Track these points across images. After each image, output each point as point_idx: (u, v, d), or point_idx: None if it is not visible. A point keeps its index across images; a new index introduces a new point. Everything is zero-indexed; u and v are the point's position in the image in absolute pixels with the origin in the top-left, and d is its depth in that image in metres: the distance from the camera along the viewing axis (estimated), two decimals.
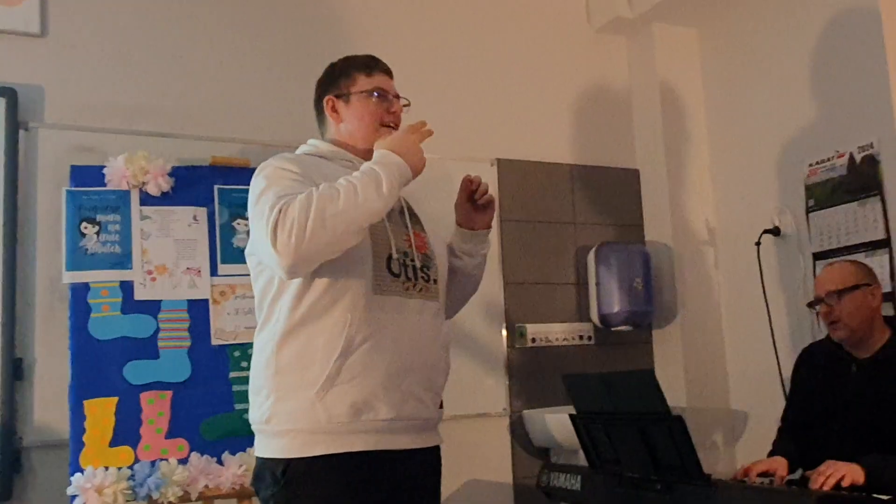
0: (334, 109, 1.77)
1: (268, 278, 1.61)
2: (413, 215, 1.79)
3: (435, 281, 1.73)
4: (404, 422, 1.60)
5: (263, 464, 1.59)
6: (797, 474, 2.26)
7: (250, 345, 2.32)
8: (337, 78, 1.78)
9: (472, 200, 1.85)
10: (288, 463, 1.53)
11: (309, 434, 1.53)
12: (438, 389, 1.71)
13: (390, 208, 1.58)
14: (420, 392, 1.63)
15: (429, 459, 1.70)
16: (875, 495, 1.86)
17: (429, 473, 1.71)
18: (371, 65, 1.78)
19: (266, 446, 1.59)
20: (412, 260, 1.68)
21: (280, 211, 1.46)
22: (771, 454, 2.37)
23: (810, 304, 2.43)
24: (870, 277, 2.31)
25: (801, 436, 2.39)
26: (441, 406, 1.73)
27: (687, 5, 3.36)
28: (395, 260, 1.63)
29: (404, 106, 1.80)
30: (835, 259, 2.62)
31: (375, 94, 1.74)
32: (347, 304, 1.56)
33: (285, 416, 1.55)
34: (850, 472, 1.95)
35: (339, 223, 1.46)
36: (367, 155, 1.70)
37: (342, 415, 1.53)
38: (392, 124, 1.75)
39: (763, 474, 2.22)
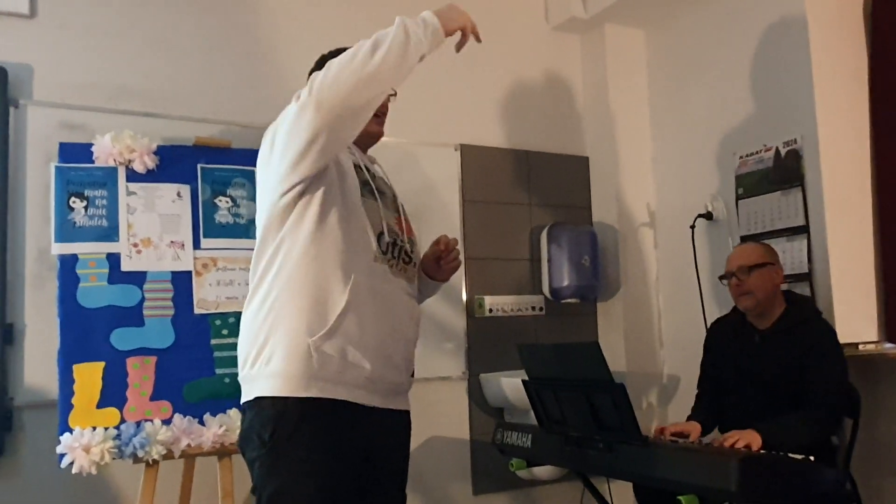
0: None
1: (281, 238, 1.53)
2: (401, 204, 1.77)
3: (415, 265, 1.72)
4: (382, 383, 1.58)
5: (253, 418, 1.51)
6: (711, 437, 2.31)
7: (231, 314, 2.32)
8: None
9: (439, 258, 1.81)
10: (279, 418, 1.47)
11: (302, 378, 1.48)
12: (412, 358, 1.69)
13: (410, 57, 1.50)
14: (398, 359, 1.61)
15: (401, 421, 1.68)
16: (790, 455, 1.90)
17: (400, 433, 1.69)
18: None
19: (261, 386, 1.51)
20: (402, 241, 1.66)
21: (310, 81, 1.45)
22: (689, 419, 2.42)
23: (721, 278, 2.49)
24: (774, 258, 2.41)
25: (718, 401, 2.44)
26: (412, 375, 1.71)
27: (636, 9, 3.32)
28: (386, 238, 1.61)
29: (390, 96, 1.74)
30: (744, 241, 2.65)
31: None
32: (353, 266, 1.53)
33: (282, 358, 1.49)
34: (749, 439, 2.01)
35: (361, 67, 1.44)
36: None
37: (334, 364, 1.50)
38: (378, 113, 1.69)
39: (678, 435, 2.26)
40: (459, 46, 1.65)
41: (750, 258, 2.37)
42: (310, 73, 1.75)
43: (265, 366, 1.51)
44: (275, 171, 1.52)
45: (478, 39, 1.65)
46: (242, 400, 1.57)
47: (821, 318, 2.39)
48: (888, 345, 2.72)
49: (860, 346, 2.65)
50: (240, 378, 1.59)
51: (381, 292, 1.58)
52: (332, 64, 1.46)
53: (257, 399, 1.52)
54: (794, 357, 2.24)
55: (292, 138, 1.48)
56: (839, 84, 2.81)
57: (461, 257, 1.78)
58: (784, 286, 2.50)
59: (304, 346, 1.48)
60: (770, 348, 2.31)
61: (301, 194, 1.53)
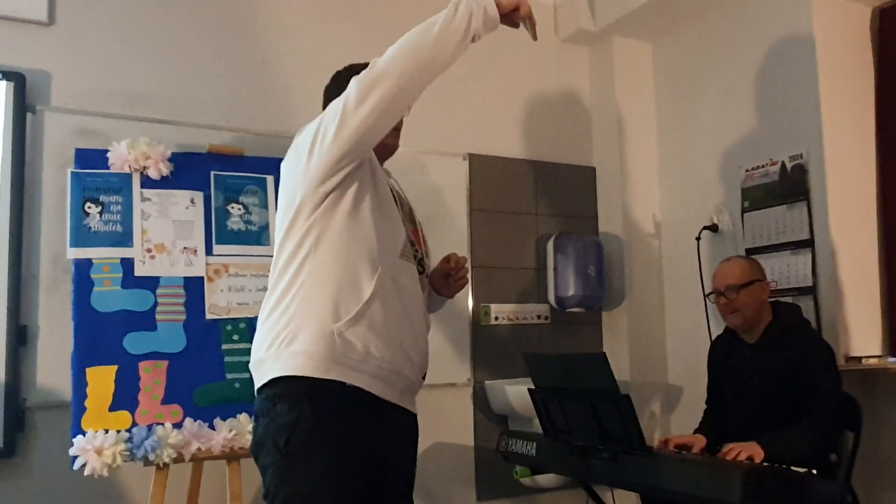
0: None
1: (310, 224, 1.55)
2: (417, 217, 1.80)
3: (427, 276, 1.75)
4: (398, 377, 1.59)
5: (268, 425, 1.51)
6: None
7: (241, 319, 2.34)
8: (342, 85, 1.71)
9: (448, 275, 1.84)
10: (294, 425, 1.47)
11: (324, 359, 1.49)
12: (426, 358, 1.70)
13: (452, 35, 1.54)
14: (414, 355, 1.63)
15: (411, 424, 1.69)
16: (793, 468, 1.92)
17: (410, 436, 1.70)
18: None
19: (280, 366, 1.51)
20: (417, 251, 1.69)
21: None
22: (695, 432, 2.44)
23: (709, 295, 2.49)
24: (761, 274, 2.41)
25: (722, 416, 2.46)
26: (424, 377, 1.72)
27: (644, 22, 3.35)
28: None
29: None
30: (731, 255, 2.63)
31: None
32: (380, 258, 1.56)
33: (305, 339, 1.50)
34: (752, 451, 2.02)
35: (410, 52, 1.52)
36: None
37: (356, 352, 1.51)
38: (395, 127, 1.71)
39: (681, 447, 2.27)
40: (532, 30, 1.68)
41: (738, 277, 2.35)
42: (326, 90, 1.78)
43: (286, 347, 1.51)
44: (321, 152, 1.52)
45: (532, 29, 1.66)
46: (257, 385, 1.56)
47: (808, 327, 2.41)
48: (891, 359, 2.73)
49: (863, 360, 2.67)
50: (252, 363, 1.58)
51: (404, 288, 1.60)
52: (389, 49, 1.52)
53: (275, 382, 1.51)
54: (785, 366, 2.25)
55: (352, 112, 1.49)
56: (845, 99, 2.83)
57: (468, 265, 1.81)
58: (787, 299, 2.51)
59: (329, 330, 1.50)
60: (760, 360, 2.33)
61: (336, 186, 1.54)
